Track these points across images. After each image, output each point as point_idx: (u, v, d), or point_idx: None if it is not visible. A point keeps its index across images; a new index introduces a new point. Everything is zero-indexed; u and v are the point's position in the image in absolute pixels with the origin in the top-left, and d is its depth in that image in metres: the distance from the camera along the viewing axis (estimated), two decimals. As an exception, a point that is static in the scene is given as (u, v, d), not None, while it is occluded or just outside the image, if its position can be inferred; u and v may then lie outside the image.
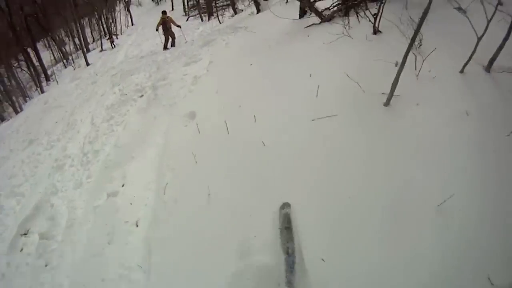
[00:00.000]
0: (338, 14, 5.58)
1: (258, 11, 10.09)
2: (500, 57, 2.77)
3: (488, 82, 2.79)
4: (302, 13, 6.68)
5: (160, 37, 10.65)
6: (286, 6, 9.04)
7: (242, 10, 13.22)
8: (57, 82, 15.23)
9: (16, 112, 13.17)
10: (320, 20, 5.65)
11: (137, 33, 21.30)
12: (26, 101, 15.71)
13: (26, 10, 18.78)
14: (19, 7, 17.41)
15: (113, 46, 18.63)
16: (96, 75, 10.91)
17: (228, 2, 16.31)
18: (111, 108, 6.05)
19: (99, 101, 6.89)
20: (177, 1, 28.68)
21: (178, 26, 10.51)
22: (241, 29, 8.08)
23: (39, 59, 18.31)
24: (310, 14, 6.07)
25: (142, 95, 6.07)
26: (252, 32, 6.84)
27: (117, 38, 22.56)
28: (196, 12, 18.39)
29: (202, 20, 16.79)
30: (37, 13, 20.29)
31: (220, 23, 12.63)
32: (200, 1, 19.77)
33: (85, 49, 18.06)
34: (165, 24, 10.13)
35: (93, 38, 25.74)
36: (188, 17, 19.97)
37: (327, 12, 5.78)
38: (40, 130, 7.67)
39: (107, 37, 19.36)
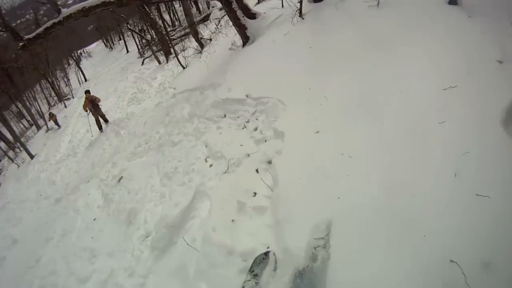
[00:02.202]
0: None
1: (246, 41, 5.76)
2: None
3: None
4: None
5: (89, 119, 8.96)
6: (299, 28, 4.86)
7: (210, 40, 8.88)
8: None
9: None
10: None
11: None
12: None
13: None
14: None
15: (58, 126, 14.52)
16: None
17: (188, 30, 12.03)
18: None
19: None
20: (131, 42, 24.69)
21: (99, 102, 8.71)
22: (237, 111, 4.12)
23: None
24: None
25: None
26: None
27: (65, 107, 18.35)
28: (151, 52, 14.04)
29: (159, 62, 12.49)
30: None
31: (183, 67, 8.23)
32: (153, 36, 15.48)
33: (22, 141, 13.70)
34: (94, 102, 8.47)
35: (49, 104, 21.34)
36: (144, 60, 15.70)
37: None
38: None
39: (49, 116, 15.02)
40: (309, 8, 5.05)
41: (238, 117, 3.92)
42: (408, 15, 3.32)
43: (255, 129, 3.50)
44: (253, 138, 3.36)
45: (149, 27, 16.24)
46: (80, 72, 24.86)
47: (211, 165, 3.45)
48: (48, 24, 5.76)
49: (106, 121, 8.79)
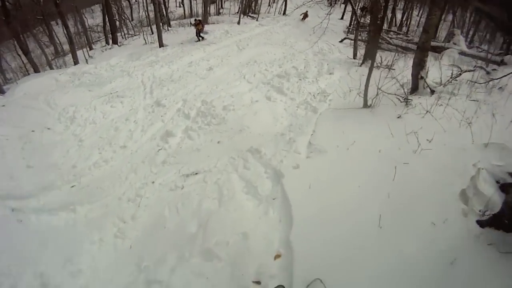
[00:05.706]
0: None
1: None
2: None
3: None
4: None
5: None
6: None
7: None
8: None
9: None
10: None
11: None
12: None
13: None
14: None
15: (199, 38, 12.60)
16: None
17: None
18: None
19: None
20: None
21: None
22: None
23: None
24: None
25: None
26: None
27: (239, 23, 16.41)
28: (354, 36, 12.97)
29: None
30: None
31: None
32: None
33: (161, 26, 12.86)
34: None
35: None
36: (343, 39, 14.45)
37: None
38: None
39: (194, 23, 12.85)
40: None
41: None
42: None
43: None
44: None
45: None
46: (285, 3, 22.14)
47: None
48: None
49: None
